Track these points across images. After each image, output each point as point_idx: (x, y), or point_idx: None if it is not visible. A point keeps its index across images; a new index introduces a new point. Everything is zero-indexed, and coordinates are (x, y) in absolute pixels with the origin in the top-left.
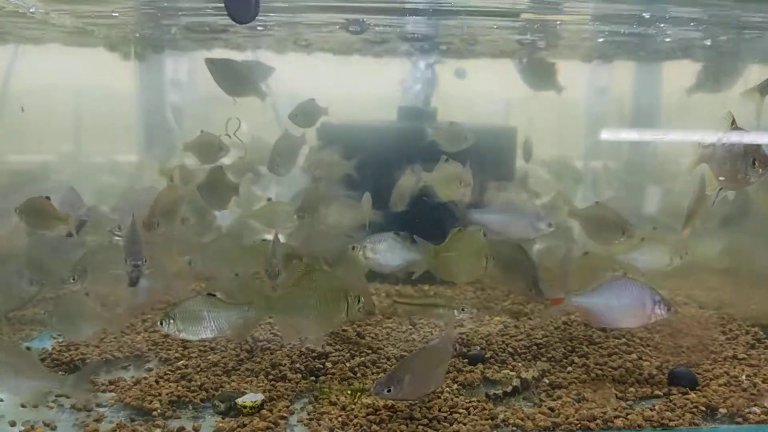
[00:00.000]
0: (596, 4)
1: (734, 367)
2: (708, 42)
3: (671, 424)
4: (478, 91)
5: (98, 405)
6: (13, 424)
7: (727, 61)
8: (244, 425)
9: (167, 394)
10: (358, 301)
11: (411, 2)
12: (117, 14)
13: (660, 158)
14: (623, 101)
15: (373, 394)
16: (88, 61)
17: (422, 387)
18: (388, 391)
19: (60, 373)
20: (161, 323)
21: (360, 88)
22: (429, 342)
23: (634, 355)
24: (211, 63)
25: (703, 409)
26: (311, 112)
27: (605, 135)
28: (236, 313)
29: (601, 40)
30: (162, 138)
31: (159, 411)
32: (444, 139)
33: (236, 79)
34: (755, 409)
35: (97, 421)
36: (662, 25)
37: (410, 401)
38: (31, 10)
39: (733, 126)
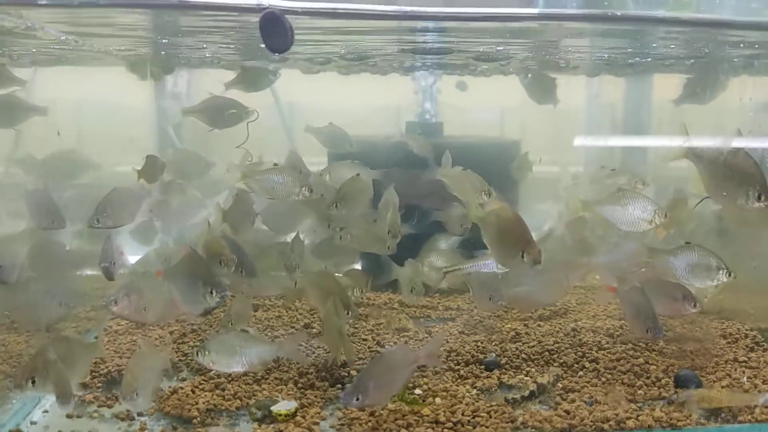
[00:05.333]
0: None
1: (735, 370)
2: (690, 61)
3: (679, 424)
4: (480, 104)
5: (139, 415)
6: None
7: (711, 73)
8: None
9: (204, 403)
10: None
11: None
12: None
13: (650, 164)
14: (616, 110)
15: (342, 405)
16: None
17: (386, 391)
18: (357, 399)
19: (98, 385)
20: (197, 354)
21: (365, 103)
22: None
23: (641, 360)
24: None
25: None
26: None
27: (601, 142)
28: (267, 349)
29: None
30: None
31: (198, 419)
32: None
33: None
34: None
35: (142, 430)
36: (653, 44)
37: (378, 406)
38: (62, 38)
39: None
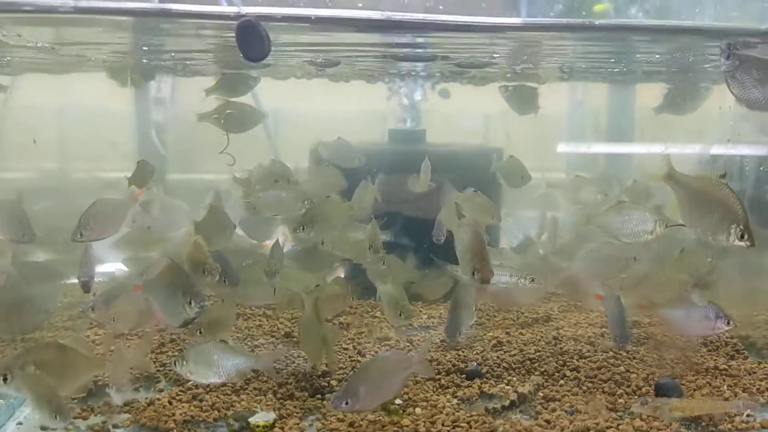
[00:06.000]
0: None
1: (715, 378)
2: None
3: None
4: (463, 111)
5: (114, 426)
6: None
7: (691, 83)
8: None
9: (181, 414)
10: None
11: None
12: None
13: (634, 170)
14: (600, 116)
15: (331, 408)
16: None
17: (378, 396)
18: (346, 403)
19: (74, 400)
20: (175, 364)
21: (348, 110)
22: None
23: (621, 368)
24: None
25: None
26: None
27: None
28: (244, 361)
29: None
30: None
31: (175, 431)
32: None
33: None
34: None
35: None
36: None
37: (368, 411)
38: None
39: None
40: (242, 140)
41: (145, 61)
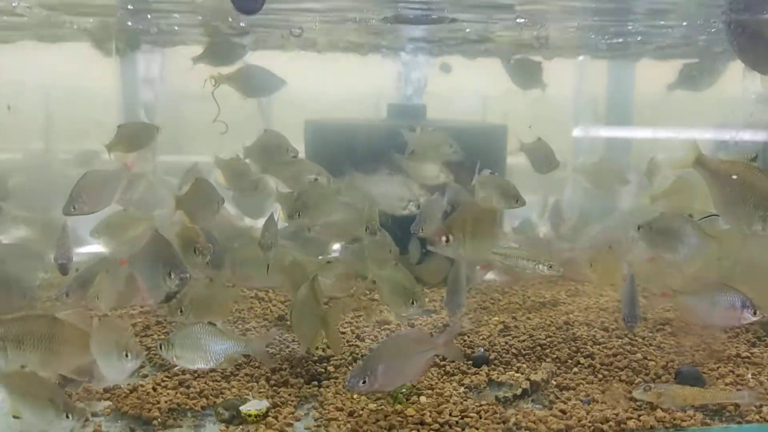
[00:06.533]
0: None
1: (738, 366)
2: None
3: (684, 424)
4: (462, 86)
5: (94, 414)
6: None
7: (708, 60)
8: None
9: (166, 402)
10: None
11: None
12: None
13: (635, 154)
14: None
15: (346, 388)
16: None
17: (397, 377)
18: (363, 382)
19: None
20: (161, 347)
21: (346, 85)
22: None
23: (639, 355)
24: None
25: (713, 407)
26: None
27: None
28: (234, 345)
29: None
30: None
31: (159, 420)
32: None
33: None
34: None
35: None
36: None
37: (384, 393)
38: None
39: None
40: (235, 118)
41: (129, 24)
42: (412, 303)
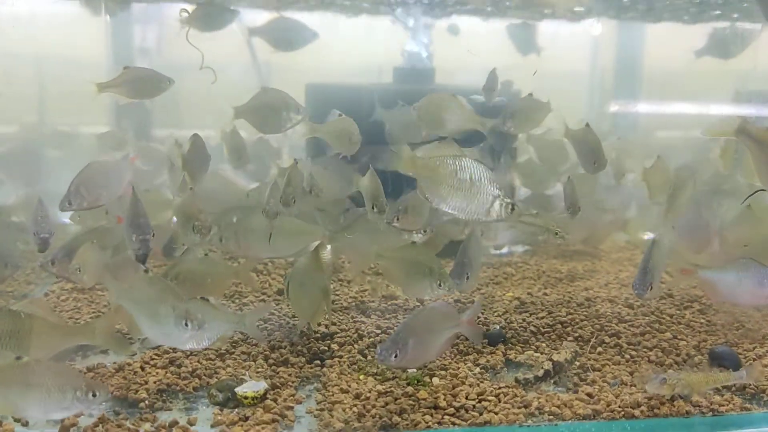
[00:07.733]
0: None
1: None
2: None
3: (722, 409)
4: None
5: None
6: None
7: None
8: (246, 418)
9: (155, 383)
10: None
11: None
12: None
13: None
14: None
15: (377, 361)
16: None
17: (425, 353)
18: (395, 356)
19: None
20: None
21: (351, 47)
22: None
23: (668, 334)
24: None
25: (752, 390)
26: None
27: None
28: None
29: None
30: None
31: (147, 402)
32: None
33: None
34: None
35: (77, 415)
36: None
37: (412, 368)
38: None
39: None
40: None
41: None
42: (439, 285)
